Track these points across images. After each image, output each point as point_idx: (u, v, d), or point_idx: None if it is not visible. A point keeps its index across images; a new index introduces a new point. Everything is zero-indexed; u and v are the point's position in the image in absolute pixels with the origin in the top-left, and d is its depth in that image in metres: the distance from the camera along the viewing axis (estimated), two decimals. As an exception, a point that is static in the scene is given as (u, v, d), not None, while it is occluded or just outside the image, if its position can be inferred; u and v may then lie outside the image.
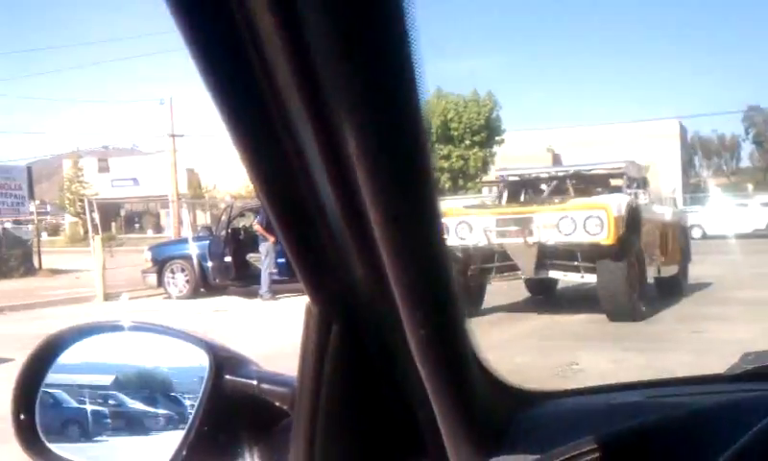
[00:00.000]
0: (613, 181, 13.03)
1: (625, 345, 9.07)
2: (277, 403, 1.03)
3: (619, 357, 8.37)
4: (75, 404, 1.18)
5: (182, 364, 1.16)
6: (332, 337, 0.85)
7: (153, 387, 1.19)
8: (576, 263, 11.41)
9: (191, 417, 1.06)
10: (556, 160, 39.08)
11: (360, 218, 0.70)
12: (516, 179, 13.53)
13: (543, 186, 13.37)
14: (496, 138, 40.10)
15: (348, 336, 0.85)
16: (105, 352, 1.20)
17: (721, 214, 34.18)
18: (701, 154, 76.40)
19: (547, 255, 11.48)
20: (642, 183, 13.37)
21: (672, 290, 13.19)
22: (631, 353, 8.55)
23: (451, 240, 10.87)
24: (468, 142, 38.68)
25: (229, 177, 43.60)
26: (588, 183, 13.06)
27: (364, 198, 0.66)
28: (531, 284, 13.40)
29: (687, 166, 55.25)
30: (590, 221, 10.79)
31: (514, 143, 39.15)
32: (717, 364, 1.26)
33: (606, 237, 10.69)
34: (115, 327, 1.21)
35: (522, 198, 13.12)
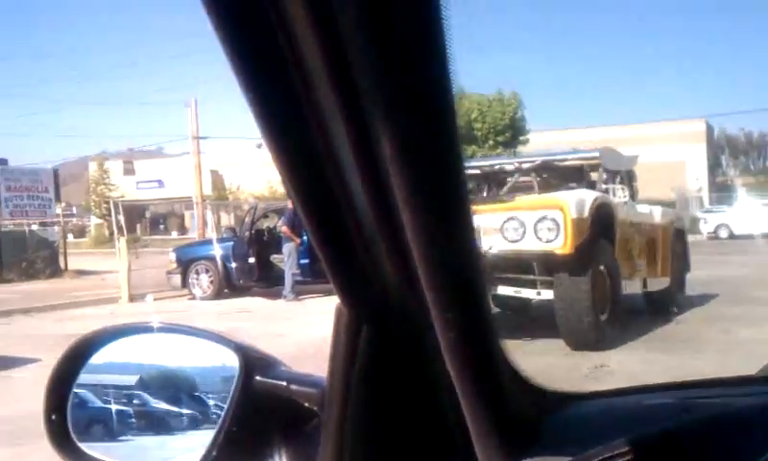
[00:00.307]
0: (592, 175, 10.78)
1: (651, 346, 8.95)
2: (307, 404, 1.03)
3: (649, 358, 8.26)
4: (100, 404, 1.19)
5: (207, 364, 1.17)
6: (362, 338, 0.85)
7: (177, 387, 1.20)
8: (531, 277, 9.13)
9: (221, 417, 1.06)
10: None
11: (392, 219, 0.70)
12: (476, 172, 11.16)
13: (510, 181, 10.89)
14: (521, 138, 39.95)
15: (378, 337, 0.85)
16: (135, 353, 1.21)
17: (748, 214, 33.90)
18: (728, 152, 75.62)
19: (492, 267, 8.93)
20: (627, 177, 11.21)
21: (663, 306, 10.93)
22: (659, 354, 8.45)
23: None
24: (491, 142, 38.54)
25: (253, 178, 43.85)
26: (560, 178, 10.71)
27: (396, 199, 0.66)
28: (499, 299, 9.80)
29: (714, 165, 54.70)
30: (542, 224, 8.62)
31: (538, 143, 38.97)
32: (748, 365, 1.24)
33: (562, 245, 8.51)
34: (146, 329, 1.22)
35: (485, 194, 10.82)
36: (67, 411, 1.14)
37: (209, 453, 1.03)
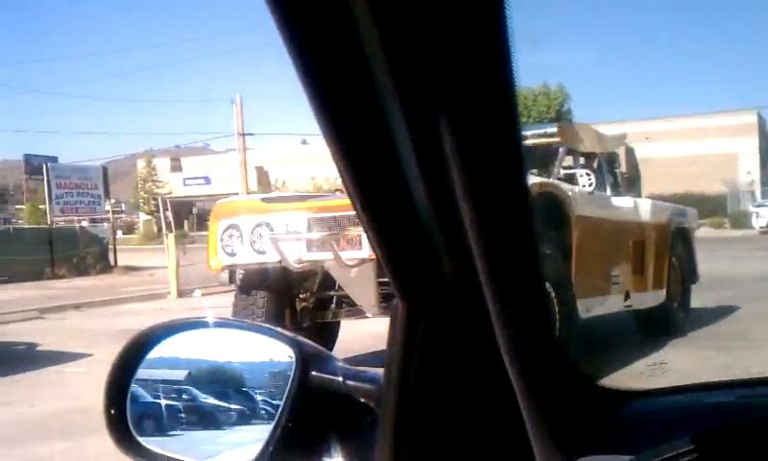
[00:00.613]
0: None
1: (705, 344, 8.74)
2: (363, 400, 1.03)
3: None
4: (150, 399, 1.21)
5: (256, 359, 1.18)
6: (419, 333, 0.84)
7: (224, 382, 1.21)
8: None
9: (278, 413, 1.07)
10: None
11: (451, 213, 0.69)
12: None
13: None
14: (566, 132, 39.61)
15: (435, 333, 0.85)
16: (189, 348, 1.23)
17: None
18: (779, 145, 73.84)
19: None
20: (607, 162, 9.18)
21: (661, 327, 9.07)
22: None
23: (246, 256, 7.46)
24: (536, 137, 38.28)
25: (297, 174, 44.11)
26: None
27: (456, 194, 0.65)
28: None
29: (766, 158, 53.46)
30: None
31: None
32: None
33: None
34: (201, 324, 1.23)
35: None
36: (126, 405, 1.15)
37: (266, 448, 1.04)
